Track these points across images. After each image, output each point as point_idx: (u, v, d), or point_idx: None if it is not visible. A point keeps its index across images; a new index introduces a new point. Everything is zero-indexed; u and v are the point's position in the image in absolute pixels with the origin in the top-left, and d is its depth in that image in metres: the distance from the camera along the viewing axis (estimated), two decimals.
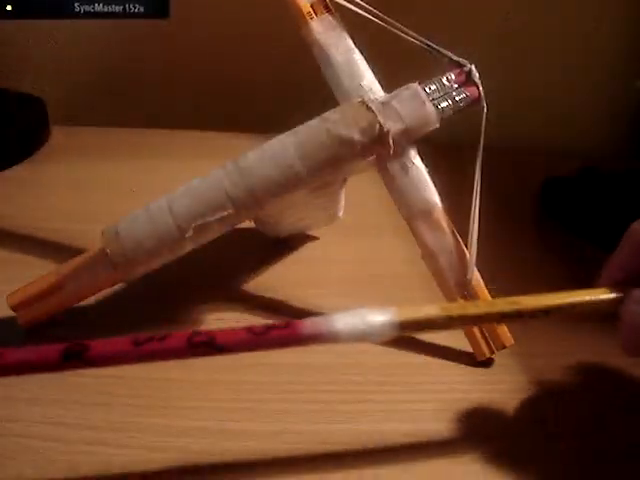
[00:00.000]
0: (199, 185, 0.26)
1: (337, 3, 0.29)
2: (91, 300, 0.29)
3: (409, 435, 0.24)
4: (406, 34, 0.29)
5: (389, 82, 0.29)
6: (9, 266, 0.32)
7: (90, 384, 0.25)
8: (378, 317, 0.20)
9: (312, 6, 0.29)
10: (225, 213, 0.26)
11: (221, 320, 0.30)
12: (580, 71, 0.58)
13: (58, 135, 0.49)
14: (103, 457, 0.22)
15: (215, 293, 0.32)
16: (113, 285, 0.29)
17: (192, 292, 0.32)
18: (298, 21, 0.29)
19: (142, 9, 0.44)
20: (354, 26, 0.30)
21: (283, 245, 0.37)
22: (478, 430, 0.25)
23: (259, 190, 0.26)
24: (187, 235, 0.26)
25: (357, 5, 0.29)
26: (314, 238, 0.38)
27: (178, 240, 0.26)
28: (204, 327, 0.29)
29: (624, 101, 0.59)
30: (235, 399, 0.25)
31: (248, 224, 0.37)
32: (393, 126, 0.27)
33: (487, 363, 0.28)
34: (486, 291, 0.28)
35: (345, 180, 0.32)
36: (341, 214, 0.35)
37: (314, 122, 0.26)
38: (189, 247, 0.27)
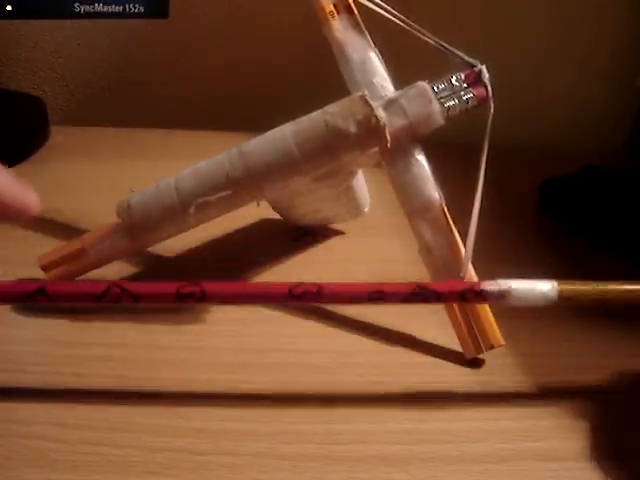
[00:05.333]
0: (204, 166, 0.28)
1: (359, 3, 0.30)
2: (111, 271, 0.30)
3: (409, 435, 0.24)
4: (423, 35, 0.29)
5: (408, 81, 0.29)
6: (8, 266, 0.32)
7: (90, 384, 0.25)
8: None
9: (334, 5, 0.30)
10: (224, 193, 0.27)
11: (218, 313, 0.30)
12: (580, 71, 0.58)
13: (58, 135, 0.49)
14: (103, 457, 0.22)
15: None
16: (131, 253, 0.31)
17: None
18: (320, 19, 0.31)
19: (142, 9, 0.44)
20: (375, 26, 0.30)
21: (285, 244, 0.37)
22: (478, 430, 0.25)
23: (257, 173, 0.27)
24: (189, 211, 0.27)
25: (378, 5, 0.30)
26: (339, 232, 0.39)
27: (181, 215, 0.28)
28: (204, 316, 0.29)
29: (624, 101, 0.59)
30: (235, 399, 0.25)
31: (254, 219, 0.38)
32: (397, 121, 0.28)
33: (476, 363, 0.28)
34: None
35: (353, 173, 0.32)
36: (367, 210, 0.36)
37: (315, 113, 0.28)
38: (192, 223, 0.28)
